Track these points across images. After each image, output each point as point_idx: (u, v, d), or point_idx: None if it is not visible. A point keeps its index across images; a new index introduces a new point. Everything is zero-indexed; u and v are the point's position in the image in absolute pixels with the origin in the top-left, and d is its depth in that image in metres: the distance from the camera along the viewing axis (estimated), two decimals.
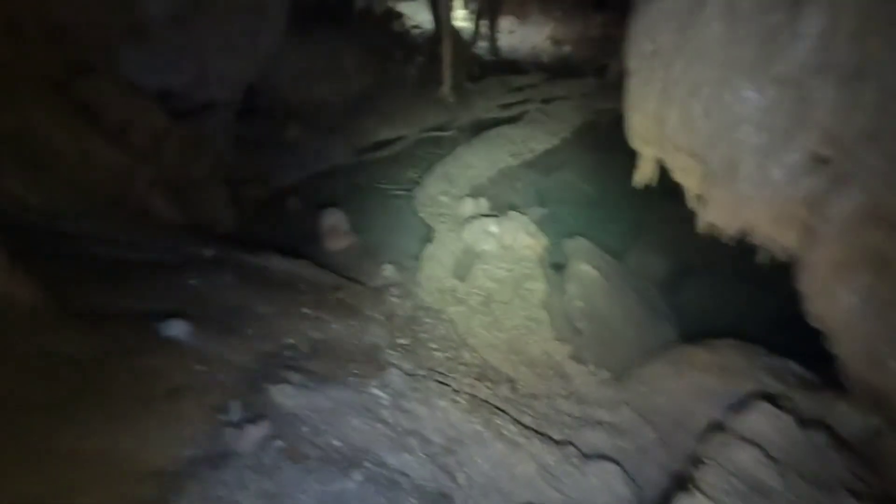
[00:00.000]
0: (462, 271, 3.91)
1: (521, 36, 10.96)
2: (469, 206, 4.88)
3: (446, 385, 2.43)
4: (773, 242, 2.16)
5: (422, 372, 2.49)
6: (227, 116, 4.12)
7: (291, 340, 2.34)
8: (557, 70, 9.04)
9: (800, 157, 1.91)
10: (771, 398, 2.07)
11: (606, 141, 6.82)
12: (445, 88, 7.05)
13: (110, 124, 3.02)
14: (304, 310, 2.53)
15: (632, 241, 4.77)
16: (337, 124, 6.12)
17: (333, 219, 4.07)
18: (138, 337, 1.99)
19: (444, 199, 5.01)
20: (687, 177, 2.31)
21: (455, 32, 7.09)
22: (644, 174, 2.66)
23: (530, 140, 6.46)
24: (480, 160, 5.91)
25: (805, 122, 1.87)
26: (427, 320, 3.15)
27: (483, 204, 4.95)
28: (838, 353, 2.02)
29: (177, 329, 2.06)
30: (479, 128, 6.69)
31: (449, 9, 6.76)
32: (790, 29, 1.82)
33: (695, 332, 3.47)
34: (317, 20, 6.63)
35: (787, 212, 2.01)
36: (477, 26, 10.18)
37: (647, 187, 2.68)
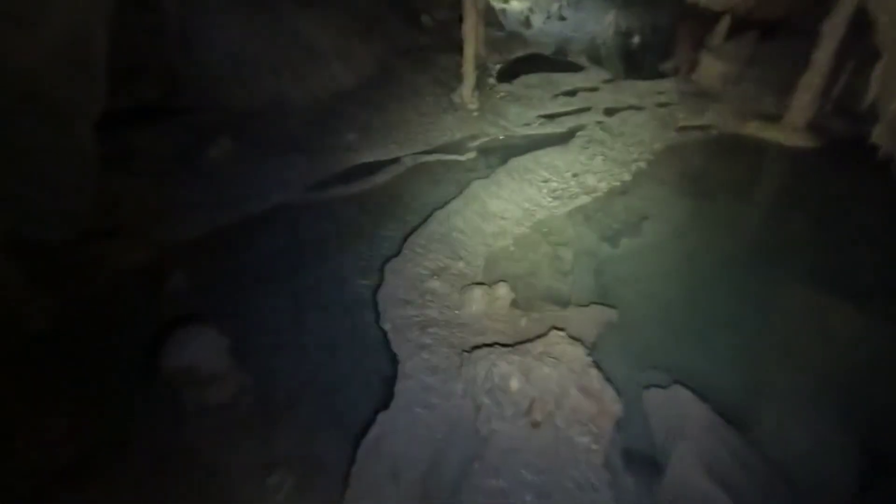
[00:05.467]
0: (445, 494, 1.82)
1: (574, 23, 8.66)
2: (477, 304, 2.77)
3: None
4: None
5: None
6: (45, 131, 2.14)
7: None
8: (624, 67, 6.75)
9: None
10: None
11: (703, 176, 4.54)
12: (466, 90, 4.91)
13: None
14: None
15: (772, 378, 2.57)
16: (299, 138, 4.09)
17: (195, 349, 2.03)
18: None
19: (435, 284, 2.91)
20: None
21: (485, 12, 4.92)
22: None
23: (586, 172, 4.27)
24: (506, 204, 3.77)
25: None
26: None
27: (504, 295, 2.83)
28: None
29: None
30: (509, 149, 4.54)
31: None
32: None
33: None
34: None
35: None
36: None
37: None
